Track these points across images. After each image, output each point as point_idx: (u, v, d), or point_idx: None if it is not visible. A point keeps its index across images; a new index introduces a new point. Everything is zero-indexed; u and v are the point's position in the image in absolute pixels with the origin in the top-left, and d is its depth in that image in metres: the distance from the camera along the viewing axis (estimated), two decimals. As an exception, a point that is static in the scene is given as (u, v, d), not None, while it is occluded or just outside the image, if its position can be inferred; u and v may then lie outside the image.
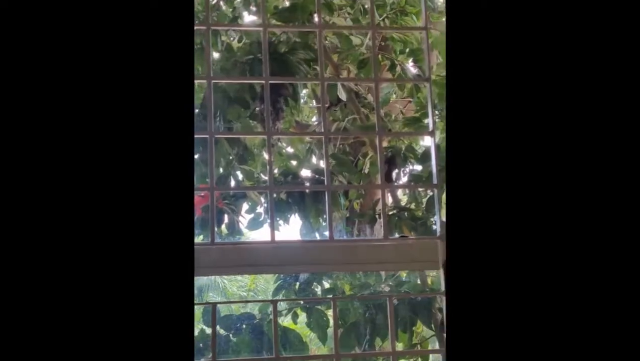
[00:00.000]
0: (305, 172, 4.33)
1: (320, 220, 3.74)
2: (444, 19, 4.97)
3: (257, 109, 3.04)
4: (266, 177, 3.72)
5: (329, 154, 4.43)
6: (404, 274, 4.51)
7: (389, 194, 4.12)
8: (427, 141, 4.06)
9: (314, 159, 4.75)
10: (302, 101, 6.21)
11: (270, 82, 2.28)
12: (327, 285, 4.76)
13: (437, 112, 4.00)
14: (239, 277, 11.60)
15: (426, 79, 2.43)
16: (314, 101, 6.12)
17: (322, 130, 2.36)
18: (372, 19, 2.37)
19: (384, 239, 2.30)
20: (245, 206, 4.00)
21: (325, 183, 2.31)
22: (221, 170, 3.66)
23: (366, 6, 4.69)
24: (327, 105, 5.17)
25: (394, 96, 5.15)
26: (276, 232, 4.44)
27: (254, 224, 4.23)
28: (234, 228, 3.77)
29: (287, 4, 3.17)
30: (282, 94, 2.96)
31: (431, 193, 3.93)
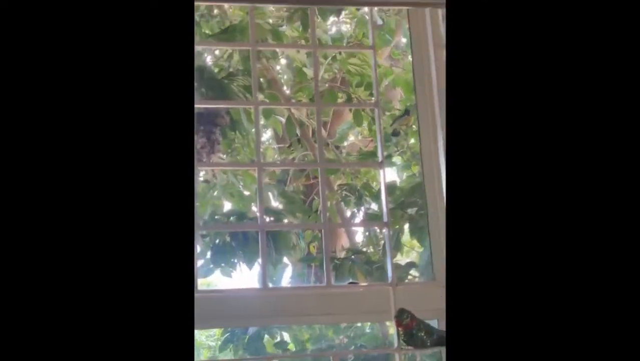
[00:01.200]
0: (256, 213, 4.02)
1: (275, 265, 3.42)
2: (409, 58, 4.79)
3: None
4: (213, 219, 3.39)
5: (279, 193, 4.14)
6: (367, 324, 4.18)
7: (345, 237, 3.82)
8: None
9: (271, 201, 4.45)
10: (266, 142, 5.96)
11: (197, 106, 1.97)
12: (286, 336, 4.41)
13: (396, 147, 3.75)
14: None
15: (374, 105, 2.15)
16: (275, 143, 5.85)
17: (259, 162, 2.05)
18: (312, 33, 2.08)
19: (327, 286, 1.98)
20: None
21: (259, 222, 1.99)
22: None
23: (323, 40, 4.49)
24: (287, 145, 4.94)
25: (358, 136, 4.91)
26: (228, 279, 4.13)
27: (205, 271, 3.89)
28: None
29: (226, 25, 2.89)
30: (217, 123, 2.66)
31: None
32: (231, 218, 3.26)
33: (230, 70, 2.82)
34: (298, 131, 4.14)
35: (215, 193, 4.50)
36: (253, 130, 4.38)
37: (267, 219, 3.49)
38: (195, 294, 1.89)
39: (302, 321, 2.27)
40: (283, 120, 4.26)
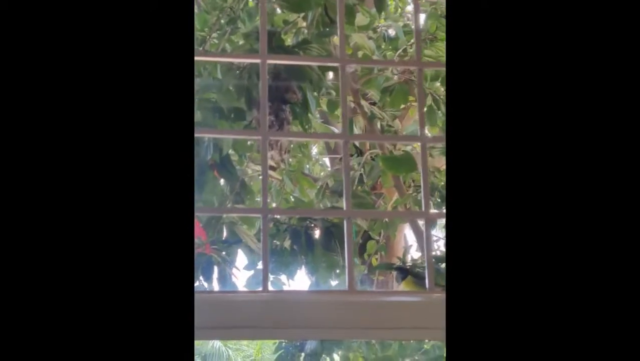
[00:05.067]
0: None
1: (333, 274, 3.01)
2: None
3: (253, 120, 2.33)
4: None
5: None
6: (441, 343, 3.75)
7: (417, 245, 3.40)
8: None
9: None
10: (314, 157, 5.56)
11: (269, 62, 1.58)
12: (337, 358, 4.01)
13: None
14: (244, 345, 10.63)
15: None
16: (326, 159, 5.48)
17: (341, 132, 1.64)
18: None
19: (429, 290, 1.57)
20: (242, 258, 3.27)
21: (345, 207, 1.57)
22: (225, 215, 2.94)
23: (392, 33, 4.11)
24: (340, 156, 4.55)
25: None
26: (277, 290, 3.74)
27: (253, 282, 3.50)
28: (225, 281, 3.03)
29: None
30: (288, 100, 2.26)
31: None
32: (293, 219, 2.85)
33: (303, 38, 2.42)
34: (362, 128, 3.74)
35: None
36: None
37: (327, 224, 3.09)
38: (267, 296, 1.50)
39: (398, 336, 1.85)
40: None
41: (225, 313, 1.48)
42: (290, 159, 3.43)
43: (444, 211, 3.30)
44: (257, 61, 1.61)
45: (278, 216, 2.97)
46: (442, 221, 3.77)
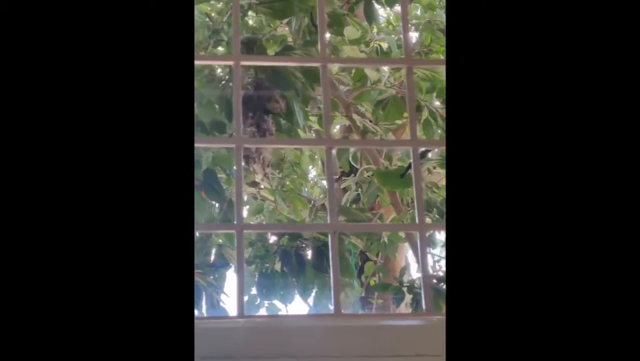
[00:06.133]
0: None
1: (327, 296, 2.85)
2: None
3: (234, 132, 2.18)
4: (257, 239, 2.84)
5: (338, 204, 3.57)
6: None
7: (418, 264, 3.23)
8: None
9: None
10: (312, 179, 5.42)
11: (242, 63, 1.42)
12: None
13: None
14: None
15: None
16: (324, 182, 5.32)
17: (326, 138, 1.49)
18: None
19: (426, 313, 1.40)
20: (231, 281, 3.11)
21: (329, 220, 1.41)
22: (197, 232, 2.78)
23: (384, 47, 4.00)
24: (336, 176, 4.40)
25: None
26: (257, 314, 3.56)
27: (247, 308, 3.32)
28: (213, 308, 2.86)
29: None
30: (269, 110, 2.11)
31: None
32: (283, 239, 2.70)
33: (286, 45, 2.27)
34: (358, 137, 3.59)
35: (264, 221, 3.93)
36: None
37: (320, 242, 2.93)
38: (244, 322, 1.33)
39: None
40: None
41: (198, 343, 1.31)
42: (276, 174, 3.27)
43: (441, 223, 3.17)
44: (231, 63, 1.46)
45: (267, 235, 2.81)
46: (443, 239, 3.62)
